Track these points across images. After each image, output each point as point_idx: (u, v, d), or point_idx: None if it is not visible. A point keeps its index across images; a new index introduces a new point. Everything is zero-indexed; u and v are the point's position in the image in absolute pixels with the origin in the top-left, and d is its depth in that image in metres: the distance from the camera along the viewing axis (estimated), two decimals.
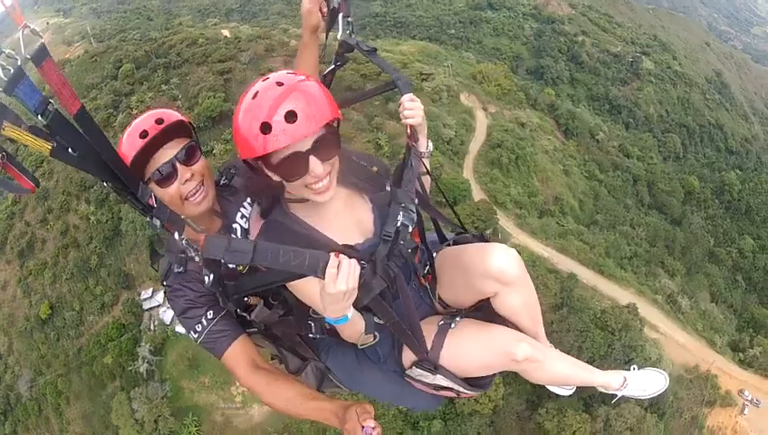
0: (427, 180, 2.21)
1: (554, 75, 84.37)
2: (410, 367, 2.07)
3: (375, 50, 2.12)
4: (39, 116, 1.12)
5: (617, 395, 2.49)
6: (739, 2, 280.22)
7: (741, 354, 45.60)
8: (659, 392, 2.46)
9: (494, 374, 2.12)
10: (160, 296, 43.13)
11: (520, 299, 2.04)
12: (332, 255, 1.42)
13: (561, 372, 2.23)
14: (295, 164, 1.56)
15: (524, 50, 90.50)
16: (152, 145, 1.91)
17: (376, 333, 1.96)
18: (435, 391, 2.11)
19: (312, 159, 1.56)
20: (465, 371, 2.06)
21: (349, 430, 1.70)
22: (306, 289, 1.71)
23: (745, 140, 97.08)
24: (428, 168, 2.18)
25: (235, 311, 2.02)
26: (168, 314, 41.72)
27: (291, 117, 1.48)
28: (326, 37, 2.15)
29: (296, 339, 2.14)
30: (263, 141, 1.48)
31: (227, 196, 2.16)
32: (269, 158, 1.57)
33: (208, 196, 2.03)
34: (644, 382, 2.49)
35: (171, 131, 1.93)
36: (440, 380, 2.01)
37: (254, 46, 60.01)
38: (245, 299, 2.04)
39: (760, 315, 54.12)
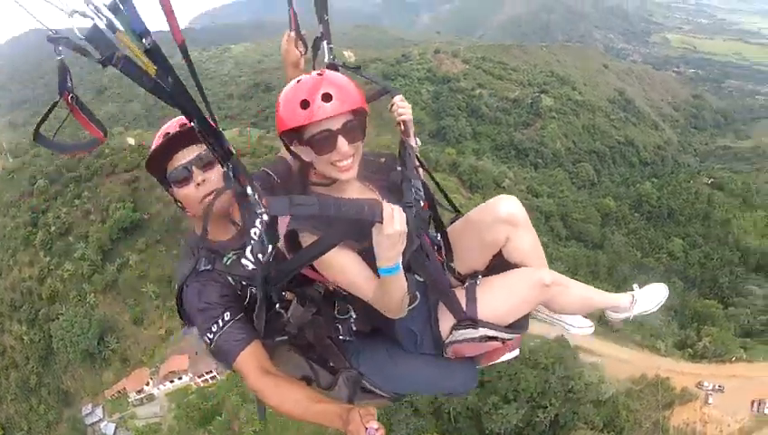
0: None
1: (456, 133, 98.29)
2: (450, 332, 2.62)
3: (359, 67, 3.00)
4: (143, 39, 1.42)
5: (629, 316, 3.21)
6: (633, 15, 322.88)
7: (690, 350, 54.77)
8: (665, 298, 3.21)
9: (529, 314, 2.77)
10: (100, 411, 51.05)
11: (529, 238, 2.72)
12: (384, 201, 2.01)
13: (585, 292, 2.97)
14: (326, 140, 2.23)
15: (424, 114, 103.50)
16: (171, 145, 2.48)
17: (417, 293, 2.62)
18: (480, 344, 2.63)
19: (341, 139, 2.24)
20: (502, 317, 2.63)
21: (352, 432, 2.00)
22: (340, 262, 2.26)
23: (658, 147, 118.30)
24: (421, 160, 2.95)
25: (272, 308, 2.48)
26: (110, 428, 49.62)
27: (327, 98, 2.18)
28: (313, 65, 2.94)
29: (327, 343, 2.59)
30: (302, 114, 2.18)
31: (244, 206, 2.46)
32: (304, 132, 2.25)
33: (221, 201, 2.41)
34: (650, 296, 3.22)
35: (191, 134, 2.19)
36: (484, 331, 2.59)
37: None
38: (284, 294, 2.52)
39: (702, 307, 64.89)
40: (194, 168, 2.52)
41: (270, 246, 2.07)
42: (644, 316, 3.27)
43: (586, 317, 3.36)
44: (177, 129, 2.51)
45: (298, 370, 2.71)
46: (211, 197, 2.46)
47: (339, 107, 2.21)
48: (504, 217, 2.64)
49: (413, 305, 2.57)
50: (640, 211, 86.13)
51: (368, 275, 2.31)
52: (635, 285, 3.29)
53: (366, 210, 1.96)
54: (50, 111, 2.37)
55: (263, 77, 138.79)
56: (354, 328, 2.66)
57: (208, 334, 2.42)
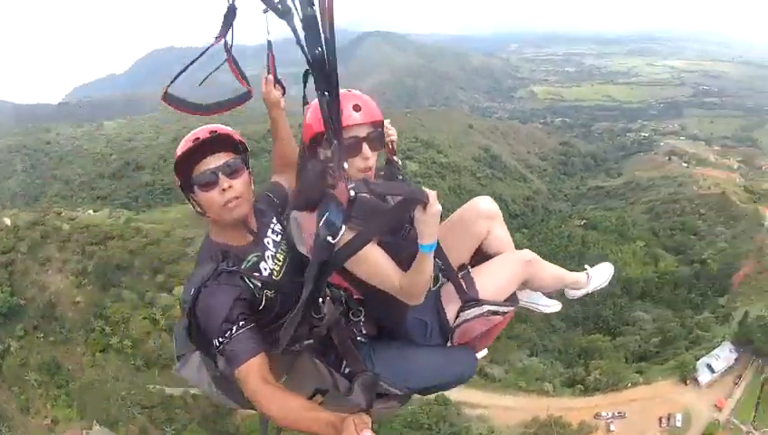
0: None
1: None
2: (457, 315, 3.21)
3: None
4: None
5: (587, 291, 4.06)
6: (498, 73, 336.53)
7: (581, 386, 59.44)
8: (611, 274, 4.19)
9: (516, 289, 3.41)
10: None
11: (504, 229, 3.48)
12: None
13: (556, 270, 3.76)
14: (353, 145, 2.80)
15: None
16: (201, 149, 2.83)
17: (439, 275, 3.29)
18: (487, 318, 3.24)
19: (365, 145, 2.85)
20: (498, 293, 3.29)
21: None
22: (374, 253, 2.73)
23: (527, 198, 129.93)
24: (405, 175, 3.68)
25: (315, 301, 2.73)
26: None
27: (356, 108, 2.80)
28: (304, 97, 3.18)
29: (348, 344, 2.98)
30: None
31: (259, 217, 3.12)
32: None
33: (242, 207, 2.89)
34: (601, 273, 4.13)
35: (220, 142, 2.84)
36: (487, 308, 3.20)
37: (32, 234, 71.33)
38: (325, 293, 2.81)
39: (588, 342, 70.62)
40: (221, 174, 2.85)
41: (342, 228, 2.56)
42: (597, 289, 4.15)
43: (551, 297, 3.96)
44: (208, 135, 2.87)
45: (313, 381, 3.15)
46: (235, 202, 2.88)
47: (365, 117, 2.88)
48: (485, 213, 3.45)
49: (437, 286, 3.29)
50: None
51: (394, 265, 2.78)
52: (587, 266, 4.17)
53: (416, 191, 2.53)
54: (191, 64, 3.34)
55: (132, 156, 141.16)
56: (364, 330, 3.11)
57: (220, 338, 2.67)
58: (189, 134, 2.93)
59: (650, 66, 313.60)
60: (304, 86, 3.04)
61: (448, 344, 3.33)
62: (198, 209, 2.99)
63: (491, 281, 3.32)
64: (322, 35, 2.02)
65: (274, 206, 3.34)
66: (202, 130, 2.91)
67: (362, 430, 2.16)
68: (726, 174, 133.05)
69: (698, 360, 64.40)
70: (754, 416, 60.09)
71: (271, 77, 3.51)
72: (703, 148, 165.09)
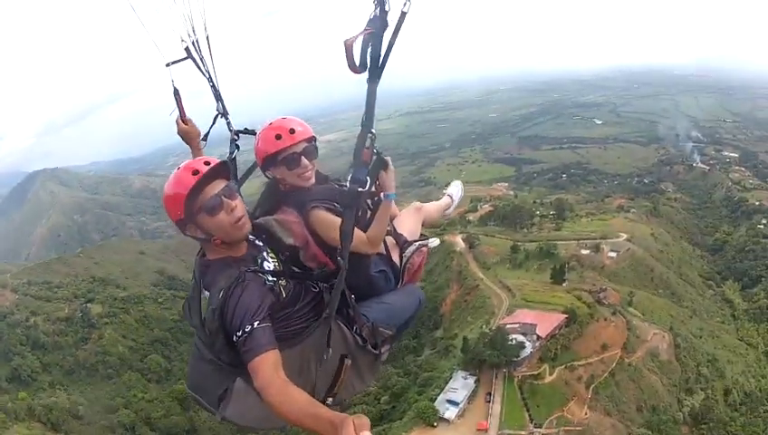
0: None
1: (28, 372, 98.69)
2: (401, 258, 4.68)
3: (254, 132, 4.58)
4: None
5: (456, 204, 5.98)
6: (161, 190, 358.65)
7: None
8: (461, 185, 6.22)
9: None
10: None
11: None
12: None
13: (435, 205, 5.76)
14: (293, 159, 4.17)
15: None
16: (203, 181, 3.46)
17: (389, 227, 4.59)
18: (419, 251, 4.77)
19: (303, 158, 4.21)
20: (414, 233, 4.91)
21: None
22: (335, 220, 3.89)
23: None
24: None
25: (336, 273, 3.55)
26: None
27: (291, 131, 4.17)
28: (206, 135, 4.93)
29: (354, 303, 4.05)
30: (276, 143, 4.14)
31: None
32: (278, 156, 4.17)
33: (248, 224, 3.70)
34: (456, 190, 6.07)
35: (216, 172, 3.54)
36: (415, 245, 4.74)
37: None
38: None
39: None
40: (224, 197, 3.50)
41: (368, 180, 3.29)
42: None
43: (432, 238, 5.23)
44: (206, 166, 3.48)
45: (339, 349, 3.93)
46: (243, 220, 3.59)
47: (299, 136, 4.21)
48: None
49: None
50: None
51: (358, 230, 3.96)
52: (444, 190, 6.08)
53: (379, 159, 3.70)
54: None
55: None
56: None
57: (246, 325, 3.21)
58: (180, 171, 3.52)
59: None
60: (211, 125, 4.90)
61: (400, 285, 4.68)
62: (202, 236, 3.59)
63: (407, 228, 4.90)
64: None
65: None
66: (196, 163, 3.54)
67: (361, 431, 2.39)
68: None
69: (435, 401, 68.14)
70: (530, 416, 66.99)
71: (187, 117, 4.88)
72: None
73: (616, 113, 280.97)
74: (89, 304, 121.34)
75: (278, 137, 4.21)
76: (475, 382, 71.50)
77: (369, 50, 2.86)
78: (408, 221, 5.04)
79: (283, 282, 3.65)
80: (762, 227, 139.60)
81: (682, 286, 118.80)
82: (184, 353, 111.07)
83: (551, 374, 73.23)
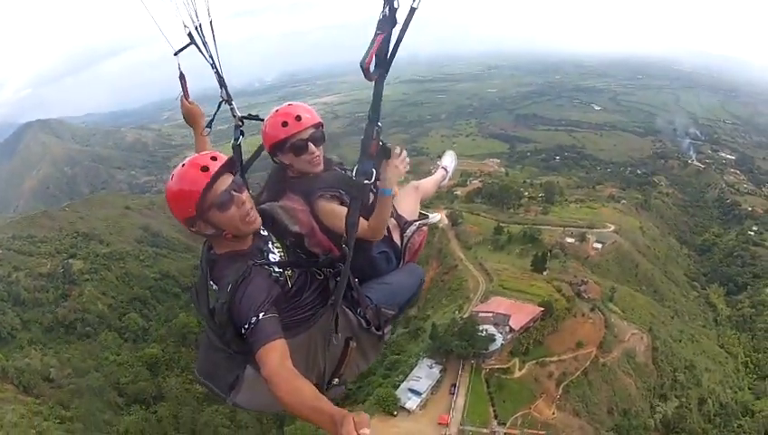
0: None
1: (8, 329, 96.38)
2: (401, 238, 4.65)
3: (262, 119, 4.56)
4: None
5: (451, 174, 6.08)
6: (153, 145, 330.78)
7: None
8: (454, 154, 6.34)
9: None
10: None
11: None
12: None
13: (431, 180, 5.87)
14: (300, 145, 4.18)
15: None
16: (214, 178, 3.40)
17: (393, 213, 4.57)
18: (419, 231, 4.79)
19: (310, 144, 4.21)
20: (413, 213, 4.90)
21: None
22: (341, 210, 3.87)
23: (195, 267, 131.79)
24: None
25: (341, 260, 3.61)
26: None
27: (298, 118, 4.15)
28: (211, 121, 5.03)
29: (357, 286, 4.04)
30: (284, 130, 4.15)
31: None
32: (286, 142, 4.19)
33: (258, 218, 3.65)
34: (449, 159, 6.16)
35: (225, 167, 3.47)
36: (415, 224, 4.74)
37: None
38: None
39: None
40: (233, 192, 3.50)
41: (374, 172, 3.40)
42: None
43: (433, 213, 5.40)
44: (216, 162, 3.47)
45: (345, 332, 3.95)
46: (253, 213, 3.64)
47: (306, 122, 4.26)
48: None
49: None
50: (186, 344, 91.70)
51: (362, 219, 3.90)
52: (438, 162, 6.28)
53: (385, 147, 3.71)
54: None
55: None
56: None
57: (253, 316, 3.27)
58: (186, 168, 3.53)
59: None
60: (216, 111, 5.04)
61: (401, 265, 4.74)
62: (210, 232, 3.62)
63: (407, 208, 4.94)
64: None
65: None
66: (203, 159, 3.52)
67: (361, 428, 2.41)
68: None
69: (398, 388, 65.27)
70: (494, 411, 64.36)
71: (191, 99, 5.04)
72: None
73: (616, 101, 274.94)
74: (71, 260, 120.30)
75: (285, 124, 4.23)
76: (440, 372, 68.45)
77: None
78: (407, 201, 5.04)
79: (289, 272, 3.70)
80: (752, 233, 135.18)
81: (666, 285, 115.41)
82: (162, 313, 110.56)
83: (520, 369, 70.22)
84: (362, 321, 4.07)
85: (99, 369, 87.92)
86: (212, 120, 5.04)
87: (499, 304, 77.32)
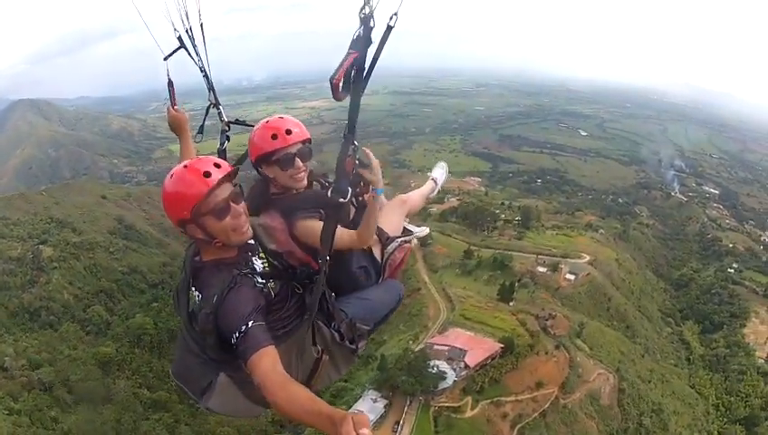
0: None
1: None
2: (382, 254, 4.61)
3: (252, 125, 4.49)
4: None
5: (440, 187, 6.00)
6: (138, 135, 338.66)
7: None
8: (446, 166, 6.25)
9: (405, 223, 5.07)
10: None
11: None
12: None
13: (418, 193, 5.72)
14: (287, 159, 4.16)
15: None
16: (216, 186, 3.42)
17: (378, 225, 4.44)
18: (401, 247, 4.70)
19: (296, 159, 4.21)
20: (397, 229, 4.82)
21: None
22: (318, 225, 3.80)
23: (164, 264, 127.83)
24: None
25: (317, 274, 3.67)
26: None
27: (288, 132, 4.10)
28: (202, 126, 5.08)
29: (333, 301, 4.02)
30: (272, 143, 4.11)
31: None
32: (273, 155, 4.17)
33: (250, 229, 3.68)
34: (440, 172, 6.11)
35: (228, 177, 3.50)
36: (398, 240, 4.66)
37: None
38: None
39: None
40: (231, 202, 3.55)
41: (349, 190, 3.41)
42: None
43: (420, 226, 5.34)
44: (218, 170, 3.51)
45: (319, 343, 3.96)
46: (247, 227, 3.70)
47: (296, 137, 4.22)
48: None
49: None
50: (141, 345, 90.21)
51: (346, 230, 4.09)
52: (429, 173, 6.14)
53: (363, 157, 3.81)
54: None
55: None
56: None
57: (242, 326, 3.27)
58: (187, 170, 3.55)
59: (289, 110, 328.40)
60: (205, 116, 4.98)
61: (381, 280, 4.69)
62: (200, 237, 3.65)
63: (390, 224, 4.84)
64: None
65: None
66: (206, 164, 3.55)
67: (360, 429, 2.43)
68: None
69: None
70: None
71: (176, 107, 4.94)
72: None
73: (602, 128, 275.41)
74: (41, 246, 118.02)
75: (274, 136, 4.21)
76: (384, 407, 64.04)
77: (354, 69, 2.97)
78: (391, 216, 4.97)
79: (272, 284, 3.73)
80: (731, 271, 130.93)
81: (639, 320, 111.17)
82: (126, 309, 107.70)
83: (473, 409, 65.43)
84: (336, 335, 4.03)
85: (52, 363, 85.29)
86: (202, 126, 5.02)
87: (457, 337, 73.29)
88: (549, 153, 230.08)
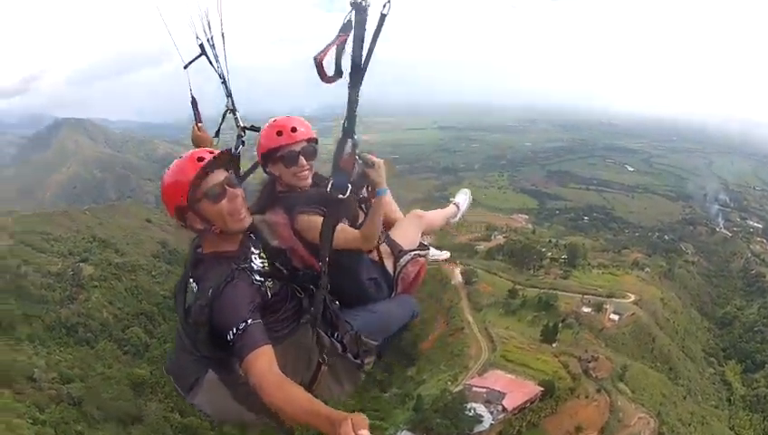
0: None
1: (8, 320, 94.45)
2: (395, 267, 4.45)
3: (259, 127, 4.46)
4: None
5: (463, 212, 5.92)
6: None
7: None
8: (470, 194, 6.18)
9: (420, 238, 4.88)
10: None
11: (392, 200, 4.86)
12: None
13: (439, 213, 5.64)
14: (292, 157, 4.18)
15: None
16: (207, 168, 3.40)
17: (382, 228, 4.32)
18: (415, 261, 4.56)
19: (301, 157, 4.21)
20: (412, 242, 4.65)
21: None
22: (340, 226, 3.83)
23: None
24: None
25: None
26: None
27: (293, 130, 4.14)
28: (218, 129, 4.92)
29: (336, 309, 3.82)
30: (277, 140, 4.15)
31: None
32: (277, 152, 4.20)
33: (248, 216, 3.61)
34: (463, 198, 6.01)
35: (220, 161, 3.50)
36: (411, 253, 4.51)
37: None
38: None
39: None
40: (227, 186, 3.53)
41: (349, 187, 3.30)
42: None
43: (441, 250, 5.63)
44: (211, 155, 3.50)
45: (316, 354, 3.77)
46: (244, 211, 3.63)
47: (300, 135, 4.23)
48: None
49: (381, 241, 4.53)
50: None
51: (351, 229, 4.11)
52: (451, 198, 6.10)
53: (363, 155, 3.84)
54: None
55: None
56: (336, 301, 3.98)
57: (235, 328, 3.19)
58: (183, 159, 3.57)
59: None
60: (222, 121, 4.86)
61: (393, 295, 4.53)
62: (198, 226, 3.61)
63: (404, 237, 4.72)
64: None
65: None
66: (200, 151, 3.58)
67: (359, 429, 2.43)
68: None
69: None
70: None
71: (201, 125, 5.06)
72: None
73: (649, 163, 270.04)
74: (82, 264, 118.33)
75: (279, 133, 4.24)
76: None
77: (350, 55, 2.88)
78: (407, 229, 4.86)
79: (270, 283, 3.65)
80: None
81: (682, 362, 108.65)
82: (165, 332, 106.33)
83: None
84: (338, 345, 3.86)
85: (84, 379, 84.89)
86: (218, 130, 5.02)
87: (496, 380, 72.85)
88: (596, 189, 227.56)
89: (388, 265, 4.54)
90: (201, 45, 4.55)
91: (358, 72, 2.85)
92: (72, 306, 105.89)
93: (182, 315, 3.61)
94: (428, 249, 4.88)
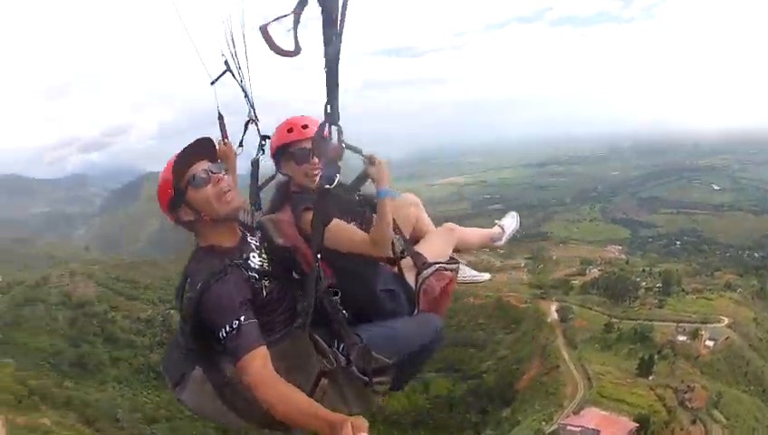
0: None
1: (95, 362, 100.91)
2: (417, 277, 4.10)
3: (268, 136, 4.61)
4: None
5: (508, 236, 5.37)
6: None
7: None
8: (517, 218, 5.56)
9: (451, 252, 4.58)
10: None
11: (425, 212, 4.72)
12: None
13: (476, 231, 5.19)
14: (302, 154, 3.96)
15: (63, 341, 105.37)
16: (188, 153, 3.41)
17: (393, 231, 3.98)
18: (440, 274, 4.14)
19: (311, 155, 3.92)
20: (440, 254, 4.30)
21: None
22: (345, 226, 3.82)
23: None
24: None
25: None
26: None
27: (304, 126, 3.93)
28: (242, 139, 4.93)
29: (341, 317, 3.43)
30: (287, 135, 3.99)
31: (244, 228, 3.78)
32: (289, 148, 4.03)
33: (237, 200, 3.50)
34: (510, 221, 5.49)
35: (201, 148, 3.47)
36: (436, 266, 4.13)
37: None
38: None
39: None
40: (210, 172, 3.42)
41: (337, 177, 2.85)
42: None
43: (483, 272, 5.35)
44: (194, 141, 3.46)
45: (316, 363, 3.41)
46: (230, 194, 3.43)
47: (311, 132, 3.62)
48: (413, 202, 4.64)
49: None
50: None
51: (359, 230, 3.79)
52: (496, 221, 5.49)
53: (365, 151, 3.61)
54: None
55: None
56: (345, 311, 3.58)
57: (227, 328, 3.00)
58: (173, 156, 3.44)
59: (429, 187, 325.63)
60: (244, 132, 4.85)
61: (416, 312, 4.05)
62: (190, 218, 3.44)
63: (432, 248, 4.32)
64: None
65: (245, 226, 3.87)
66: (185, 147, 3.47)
67: (359, 431, 2.34)
68: (506, 276, 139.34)
69: None
70: None
71: (226, 141, 4.88)
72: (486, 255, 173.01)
73: (733, 179, 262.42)
74: (172, 311, 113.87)
75: (290, 130, 4.09)
76: None
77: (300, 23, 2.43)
78: (434, 241, 4.53)
79: (266, 282, 3.43)
80: None
81: None
82: None
83: None
84: (342, 357, 3.47)
85: (170, 420, 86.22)
86: (241, 140, 4.99)
87: (591, 418, 72.65)
88: (685, 213, 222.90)
89: (410, 277, 4.14)
90: (226, 62, 4.61)
91: (330, 21, 2.18)
92: (162, 351, 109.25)
93: (180, 311, 3.41)
94: (458, 263, 4.46)
